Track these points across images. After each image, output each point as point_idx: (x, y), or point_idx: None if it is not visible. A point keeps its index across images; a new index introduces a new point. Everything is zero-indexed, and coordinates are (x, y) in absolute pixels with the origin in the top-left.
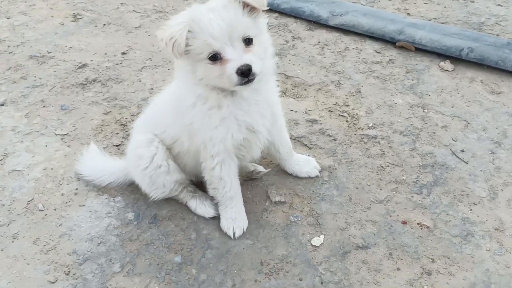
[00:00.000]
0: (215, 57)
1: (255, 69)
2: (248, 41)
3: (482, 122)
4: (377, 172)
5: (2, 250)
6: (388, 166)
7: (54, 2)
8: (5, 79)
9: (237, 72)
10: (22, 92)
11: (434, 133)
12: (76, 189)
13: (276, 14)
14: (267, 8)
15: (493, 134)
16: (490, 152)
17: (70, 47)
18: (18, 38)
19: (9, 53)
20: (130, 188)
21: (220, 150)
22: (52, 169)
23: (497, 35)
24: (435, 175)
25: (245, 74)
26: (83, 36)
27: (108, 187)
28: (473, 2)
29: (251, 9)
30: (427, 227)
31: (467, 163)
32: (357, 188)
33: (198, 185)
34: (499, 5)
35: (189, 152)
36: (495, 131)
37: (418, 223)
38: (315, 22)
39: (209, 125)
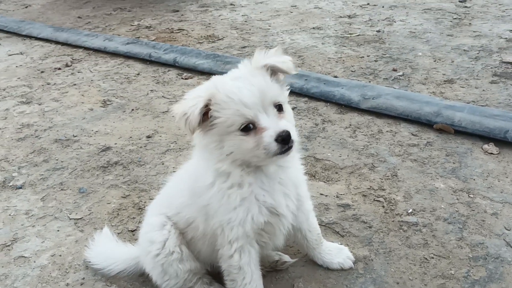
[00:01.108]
0: (248, 128)
1: (293, 135)
2: (279, 108)
3: None
4: (420, 265)
5: None
6: (432, 257)
7: (86, 89)
8: (27, 162)
9: (276, 140)
10: (42, 175)
11: (483, 221)
12: (83, 278)
13: (306, 98)
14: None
15: None
16: None
17: (96, 131)
18: (46, 123)
19: (35, 137)
20: (141, 279)
21: (239, 234)
22: (60, 255)
23: None
24: (489, 269)
25: (286, 141)
26: (110, 120)
27: (117, 277)
28: None
29: (277, 76)
30: None
31: None
32: (397, 283)
33: (215, 275)
34: None
35: (205, 237)
36: None
37: None
38: (346, 106)
39: (227, 206)
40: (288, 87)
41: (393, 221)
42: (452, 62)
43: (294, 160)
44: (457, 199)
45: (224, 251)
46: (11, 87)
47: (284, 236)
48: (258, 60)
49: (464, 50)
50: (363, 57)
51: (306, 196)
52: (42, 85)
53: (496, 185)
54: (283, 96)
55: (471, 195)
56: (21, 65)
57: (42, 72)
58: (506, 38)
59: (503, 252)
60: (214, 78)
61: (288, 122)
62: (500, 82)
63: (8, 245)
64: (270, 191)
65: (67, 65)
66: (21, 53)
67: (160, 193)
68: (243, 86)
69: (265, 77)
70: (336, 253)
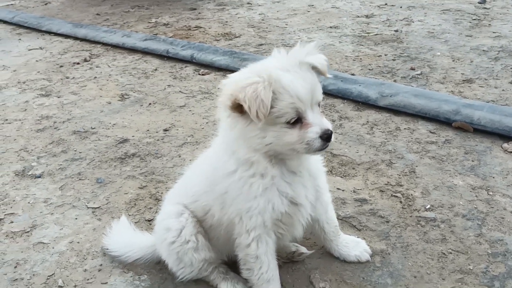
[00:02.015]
0: (295, 122)
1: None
2: (319, 106)
3: None
4: (438, 260)
5: None
6: (450, 253)
7: (104, 83)
8: (46, 152)
9: (321, 137)
10: (60, 165)
11: (502, 218)
12: (101, 265)
13: (323, 95)
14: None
15: None
16: None
17: (114, 124)
18: (65, 115)
19: (54, 128)
20: (158, 267)
21: (257, 224)
22: (78, 242)
23: None
24: (509, 266)
25: (329, 138)
26: (128, 114)
27: (134, 264)
28: None
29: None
30: None
31: None
32: (415, 277)
33: (231, 265)
34: None
35: (221, 226)
36: None
37: None
38: (363, 103)
39: (248, 195)
40: None
41: (410, 216)
42: (471, 62)
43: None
44: (476, 196)
45: (242, 240)
46: (31, 81)
47: (302, 227)
48: (299, 54)
49: (483, 50)
50: (380, 56)
51: (325, 188)
52: (61, 79)
53: None
54: (322, 94)
55: (491, 193)
56: (40, 60)
57: (61, 66)
58: None
59: None
60: (260, 66)
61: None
62: None
63: (28, 232)
64: (290, 182)
65: (85, 60)
66: (41, 48)
67: (177, 182)
68: (296, 80)
69: (312, 73)
70: (353, 246)
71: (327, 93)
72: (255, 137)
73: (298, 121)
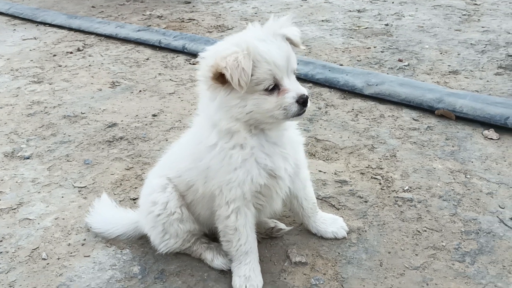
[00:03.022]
0: (273, 88)
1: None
2: (294, 74)
3: None
4: (412, 237)
5: None
6: (425, 230)
7: (96, 71)
8: (35, 135)
9: (298, 101)
10: (49, 147)
11: (478, 199)
12: (84, 239)
13: (310, 84)
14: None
15: None
16: None
17: (104, 110)
18: (55, 101)
19: (45, 113)
20: (140, 241)
21: (237, 195)
22: (63, 219)
23: None
24: (480, 243)
25: (305, 103)
26: (118, 100)
27: (117, 239)
28: None
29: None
30: None
31: None
32: (389, 252)
33: (212, 238)
34: None
35: (203, 200)
36: None
37: None
38: (350, 92)
39: (228, 167)
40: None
41: (388, 197)
42: (458, 54)
43: (292, 124)
44: (454, 179)
45: (221, 212)
46: (24, 68)
47: (281, 200)
48: (274, 26)
49: (471, 43)
50: (369, 48)
51: (303, 163)
52: (54, 67)
53: (494, 168)
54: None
55: (468, 176)
56: (34, 49)
57: (54, 55)
58: None
59: (496, 228)
60: (237, 37)
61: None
62: (505, 74)
63: (14, 209)
64: (270, 154)
65: (78, 50)
66: (35, 38)
67: (162, 158)
68: (273, 49)
69: (287, 44)
70: (330, 222)
71: (315, 82)
72: (236, 106)
73: (275, 88)
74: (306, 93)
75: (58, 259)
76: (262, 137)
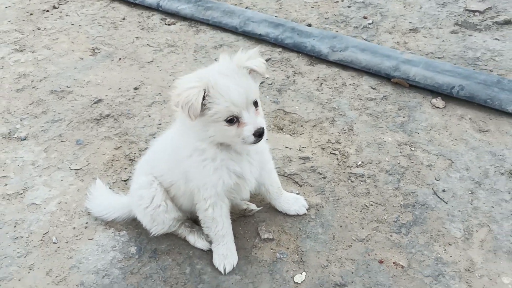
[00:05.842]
0: (232, 120)
1: (265, 129)
2: (255, 104)
3: (466, 161)
4: (360, 211)
5: (19, 280)
6: (371, 205)
7: (75, 36)
8: (27, 113)
9: (254, 134)
10: (42, 126)
11: (419, 172)
12: (86, 223)
13: (280, 49)
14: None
15: (475, 174)
16: (470, 192)
17: (88, 82)
18: (41, 73)
19: (32, 87)
20: (134, 223)
21: (212, 193)
22: (66, 203)
23: (491, 70)
24: (415, 215)
25: (261, 135)
26: (100, 70)
27: (114, 222)
28: (471, 36)
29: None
30: (402, 266)
31: (446, 203)
32: (340, 226)
33: (194, 221)
34: (496, 39)
35: (185, 195)
36: (477, 171)
37: (393, 263)
38: (316, 57)
39: (203, 173)
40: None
41: (343, 172)
42: (420, 8)
43: None
44: (400, 152)
45: (200, 205)
46: (4, 32)
47: (249, 192)
48: (240, 60)
49: None
50: (337, 2)
51: (268, 159)
52: (33, 30)
53: (436, 139)
54: (258, 93)
55: (413, 148)
56: (9, 6)
57: (31, 14)
58: None
59: (429, 200)
60: (204, 71)
61: (262, 118)
62: (460, 32)
63: (21, 193)
64: (238, 161)
65: (54, 7)
66: None
67: (146, 153)
68: (232, 86)
69: (248, 78)
70: (293, 202)
71: (284, 47)
72: (200, 131)
73: (235, 119)
74: (264, 126)
75: (67, 242)
76: (230, 150)
